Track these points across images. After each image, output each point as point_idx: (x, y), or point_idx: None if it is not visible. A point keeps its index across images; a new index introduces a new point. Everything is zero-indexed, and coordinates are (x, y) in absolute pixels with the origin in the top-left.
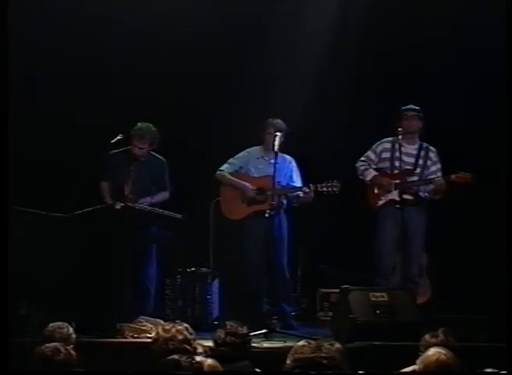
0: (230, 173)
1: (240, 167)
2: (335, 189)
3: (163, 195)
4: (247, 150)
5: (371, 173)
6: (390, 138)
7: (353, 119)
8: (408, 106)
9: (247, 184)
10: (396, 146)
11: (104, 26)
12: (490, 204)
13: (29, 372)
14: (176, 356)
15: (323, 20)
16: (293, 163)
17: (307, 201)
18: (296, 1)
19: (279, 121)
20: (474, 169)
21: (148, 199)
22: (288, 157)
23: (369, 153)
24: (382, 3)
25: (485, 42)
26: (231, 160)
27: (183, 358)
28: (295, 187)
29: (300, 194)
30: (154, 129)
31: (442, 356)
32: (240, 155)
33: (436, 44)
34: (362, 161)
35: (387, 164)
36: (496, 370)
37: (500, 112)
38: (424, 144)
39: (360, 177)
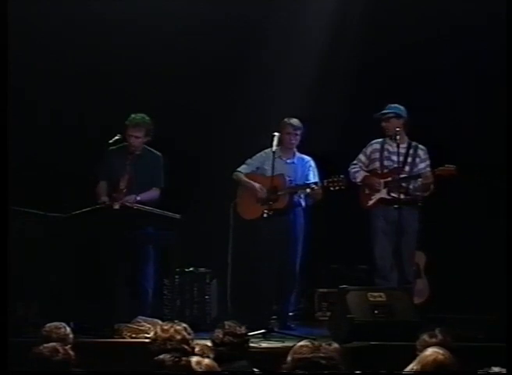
0: (247, 174)
1: (257, 167)
2: (341, 184)
3: (151, 194)
4: (265, 150)
5: (361, 175)
6: (380, 139)
7: (353, 119)
8: (386, 109)
9: (258, 185)
10: (385, 146)
11: (104, 26)
12: (489, 203)
13: (28, 372)
14: (161, 356)
15: (323, 20)
16: (311, 163)
17: (317, 199)
18: (296, 1)
19: (295, 120)
20: (474, 168)
21: (133, 197)
22: (306, 157)
23: (360, 156)
24: (382, 3)
25: (485, 42)
26: (248, 161)
27: (167, 357)
28: (302, 184)
29: (308, 191)
30: (148, 118)
31: (440, 356)
32: (258, 155)
33: (436, 44)
34: (353, 164)
35: (377, 164)
36: (502, 369)
37: (501, 112)
38: (414, 143)
39: (353, 180)
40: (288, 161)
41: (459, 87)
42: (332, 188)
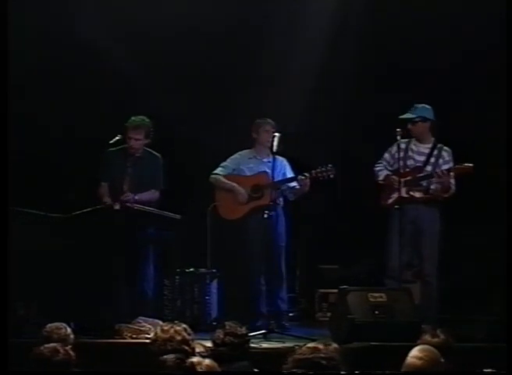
0: (224, 176)
1: (233, 169)
2: (329, 173)
3: (150, 194)
4: (239, 152)
5: (383, 173)
6: (406, 139)
7: (353, 119)
8: (413, 110)
9: (240, 188)
10: (410, 146)
11: (104, 26)
12: (489, 204)
13: (28, 372)
14: (165, 356)
15: (323, 19)
16: (286, 162)
17: (304, 191)
18: (296, 1)
19: (268, 120)
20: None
21: (131, 196)
22: (280, 158)
23: (385, 154)
24: (383, 3)
25: (485, 42)
26: (224, 163)
27: (170, 358)
28: (290, 177)
29: (296, 186)
30: (147, 120)
31: (417, 361)
32: (233, 157)
33: (437, 44)
34: (378, 162)
35: (401, 164)
36: (494, 370)
37: (501, 112)
38: (439, 144)
39: (376, 179)
40: (264, 160)
41: (460, 86)
42: (321, 178)
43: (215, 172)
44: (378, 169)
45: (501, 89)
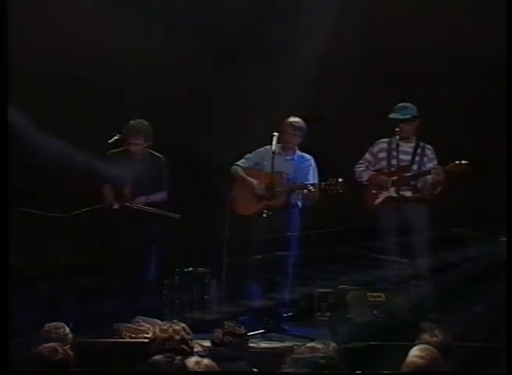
0: (245, 169)
1: (256, 163)
2: (338, 188)
3: (160, 196)
4: (266, 146)
5: (367, 174)
6: (386, 139)
7: (353, 118)
8: (401, 110)
9: (255, 182)
10: (393, 145)
11: (101, 26)
12: (489, 202)
13: (28, 372)
14: (154, 357)
15: (323, 19)
16: (312, 162)
17: (314, 200)
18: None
19: (297, 120)
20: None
21: (143, 198)
22: (307, 155)
23: (366, 155)
24: (383, 3)
25: (485, 42)
26: (248, 155)
27: (160, 358)
28: (300, 184)
29: (306, 191)
30: (146, 124)
31: (418, 360)
32: (257, 150)
33: (436, 44)
34: (360, 163)
35: (384, 164)
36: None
37: (501, 112)
38: (421, 143)
39: (359, 180)
40: (287, 157)
41: (460, 86)
42: (329, 191)
43: (237, 163)
44: (360, 169)
45: (501, 89)
